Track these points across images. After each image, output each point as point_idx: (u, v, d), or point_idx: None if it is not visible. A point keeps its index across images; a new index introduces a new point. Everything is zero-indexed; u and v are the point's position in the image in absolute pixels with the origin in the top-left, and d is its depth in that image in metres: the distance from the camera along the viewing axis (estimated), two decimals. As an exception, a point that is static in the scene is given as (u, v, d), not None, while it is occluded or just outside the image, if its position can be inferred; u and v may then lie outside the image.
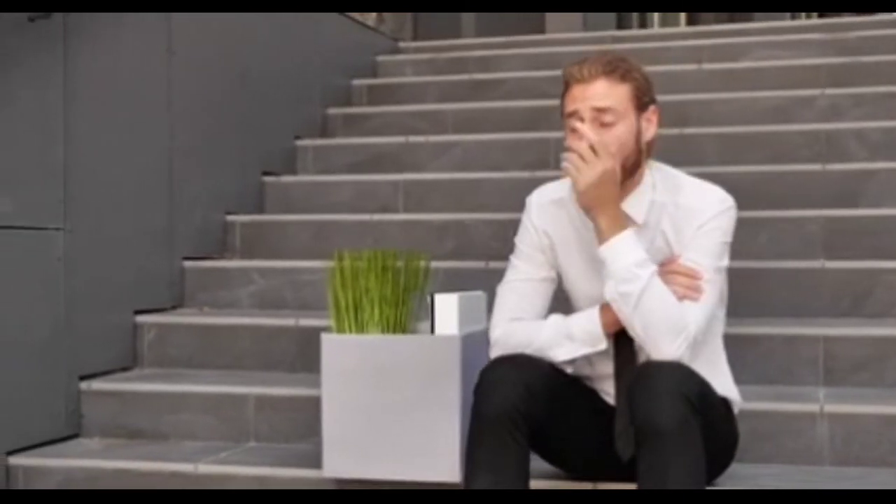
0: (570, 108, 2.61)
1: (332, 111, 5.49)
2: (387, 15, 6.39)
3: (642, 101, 2.63)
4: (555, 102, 5.00)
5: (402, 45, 6.44)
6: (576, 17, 8.73)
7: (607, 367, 2.74)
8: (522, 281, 2.77)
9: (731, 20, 12.04)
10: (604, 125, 2.57)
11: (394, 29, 6.49)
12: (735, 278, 3.75)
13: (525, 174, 4.48)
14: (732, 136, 4.73)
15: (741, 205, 4.18)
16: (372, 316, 2.98)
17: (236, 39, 4.65)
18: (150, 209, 4.03)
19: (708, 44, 5.71)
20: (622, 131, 2.59)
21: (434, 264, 3.97)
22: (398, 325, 2.99)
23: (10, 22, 3.31)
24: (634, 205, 2.66)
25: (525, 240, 2.79)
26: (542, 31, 8.37)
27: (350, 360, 2.98)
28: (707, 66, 5.35)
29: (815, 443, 3.09)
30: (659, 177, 2.70)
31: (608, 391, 2.76)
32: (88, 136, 3.66)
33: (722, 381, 2.78)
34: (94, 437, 3.57)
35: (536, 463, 2.81)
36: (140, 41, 3.98)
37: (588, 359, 2.77)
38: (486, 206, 4.44)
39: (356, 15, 5.97)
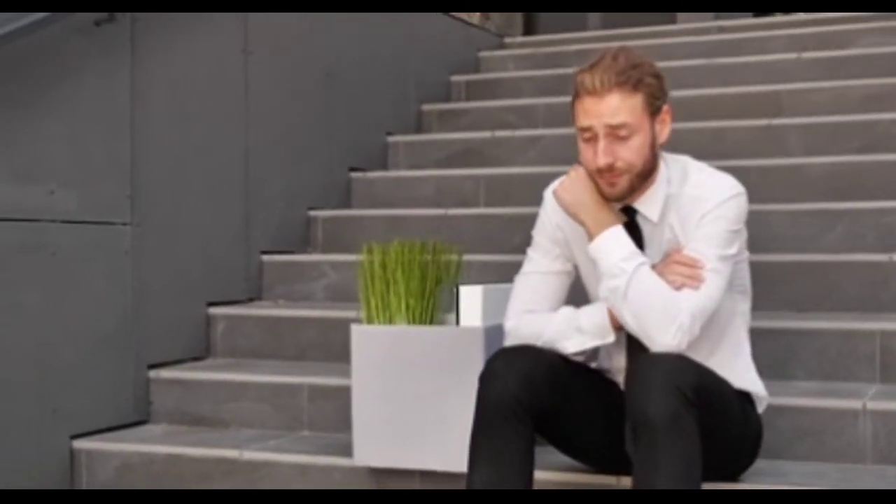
0: (583, 122, 2.57)
1: (427, 107, 5.54)
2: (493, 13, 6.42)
3: (655, 106, 2.58)
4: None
5: (507, 40, 6.45)
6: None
7: (623, 360, 2.72)
8: (537, 273, 2.77)
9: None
10: (619, 139, 2.54)
11: (500, 25, 6.50)
12: (800, 272, 3.70)
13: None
14: (821, 127, 4.58)
15: (819, 196, 4.11)
16: (399, 308, 3.02)
17: (321, 38, 4.75)
18: (225, 205, 4.16)
19: (815, 32, 5.55)
20: (638, 143, 2.56)
21: (499, 258, 4.04)
22: (425, 316, 3.03)
23: (75, 27, 3.47)
24: (649, 203, 2.64)
25: (541, 232, 2.79)
26: (673, 21, 8.20)
27: (378, 350, 3.03)
28: (807, 55, 5.20)
29: (858, 441, 2.99)
30: (673, 170, 2.66)
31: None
32: (158, 134, 3.80)
33: (743, 375, 2.73)
34: (161, 424, 3.72)
35: (554, 455, 2.83)
36: (214, 42, 4.11)
37: (607, 352, 2.76)
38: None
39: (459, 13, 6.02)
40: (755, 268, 3.64)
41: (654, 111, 2.57)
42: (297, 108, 4.59)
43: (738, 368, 2.72)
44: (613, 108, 2.52)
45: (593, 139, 2.55)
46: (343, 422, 3.48)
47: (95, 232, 3.57)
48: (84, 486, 3.43)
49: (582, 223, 2.60)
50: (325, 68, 4.78)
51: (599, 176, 2.56)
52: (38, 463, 3.36)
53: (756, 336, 3.29)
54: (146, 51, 3.75)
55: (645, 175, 2.58)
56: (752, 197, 4.16)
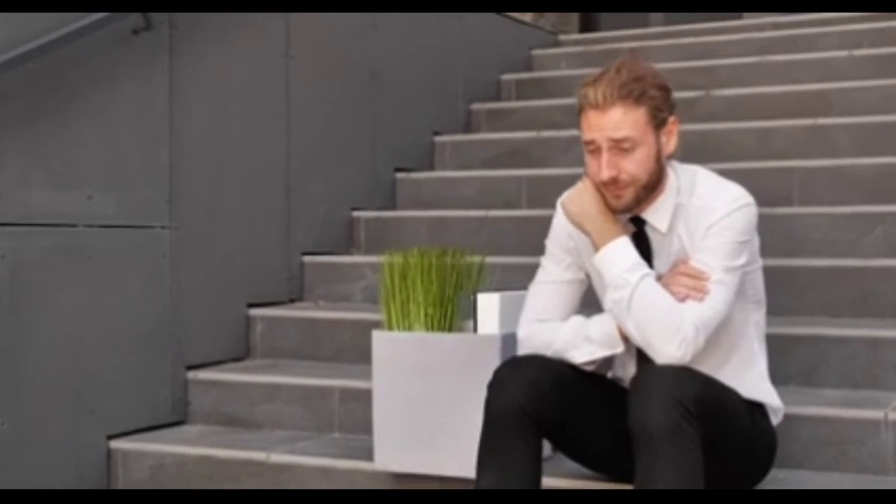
0: (587, 136, 2.58)
1: (476, 106, 5.56)
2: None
3: (660, 118, 2.58)
4: (693, 94, 4.97)
5: (562, 38, 6.44)
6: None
7: (634, 370, 2.72)
8: (549, 282, 2.79)
9: None
10: (623, 151, 2.55)
11: (556, 23, 6.49)
12: (836, 277, 3.66)
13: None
14: (870, 126, 4.51)
15: (865, 198, 4.05)
16: (418, 315, 3.05)
17: (366, 38, 4.79)
18: (266, 207, 4.22)
19: (868, 28, 5.45)
20: (642, 155, 2.56)
21: (538, 260, 4.04)
22: (444, 323, 3.05)
23: (113, 35, 3.56)
24: (657, 213, 2.63)
25: (553, 241, 2.81)
26: (739, 15, 8.09)
27: (398, 356, 3.07)
28: (858, 52, 5.11)
29: (879, 451, 2.96)
30: (682, 180, 2.65)
31: (639, 393, 2.74)
32: (197, 139, 3.88)
33: (756, 386, 2.72)
34: (198, 424, 3.80)
35: (566, 463, 2.85)
36: (254, 48, 4.17)
37: (620, 361, 2.77)
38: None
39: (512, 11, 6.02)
40: (790, 272, 3.64)
41: (658, 123, 2.56)
42: (341, 109, 4.64)
43: (752, 379, 2.70)
44: (616, 121, 2.52)
45: (597, 152, 2.55)
46: (372, 424, 3.54)
47: (133, 236, 3.65)
48: (119, 486, 3.52)
49: (588, 234, 2.61)
50: (371, 68, 4.82)
51: (605, 188, 2.57)
52: (74, 462, 3.45)
53: (787, 342, 3.29)
54: (185, 57, 3.82)
55: (651, 187, 2.58)
56: (794, 199, 4.17)
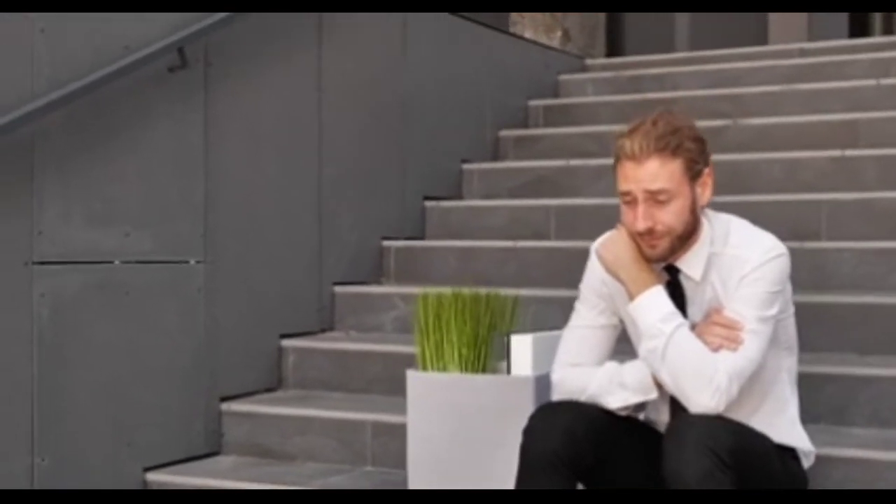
0: (623, 187, 2.62)
1: (504, 133, 5.59)
2: (574, 33, 6.44)
3: (695, 170, 2.62)
4: (721, 123, 4.99)
5: (588, 62, 6.47)
6: (801, 22, 8.40)
7: (667, 415, 2.75)
8: (583, 327, 2.82)
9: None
10: (658, 203, 2.59)
11: (583, 46, 6.52)
12: (865, 314, 3.67)
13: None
14: (897, 159, 4.53)
15: (891, 233, 4.07)
16: (452, 356, 3.10)
17: (395, 70, 4.84)
18: (298, 239, 4.28)
19: (896, 56, 5.47)
20: (678, 207, 2.59)
21: (567, 293, 4.07)
22: (477, 364, 3.10)
23: (150, 74, 3.61)
24: (692, 262, 2.67)
25: (588, 286, 2.85)
26: (764, 40, 8.10)
27: (432, 396, 3.12)
28: (886, 81, 5.12)
29: (909, 494, 2.97)
30: (716, 229, 2.69)
31: (673, 437, 2.77)
32: (231, 174, 3.94)
33: (788, 431, 2.75)
34: (231, 455, 3.85)
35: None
36: (287, 83, 4.22)
37: (654, 405, 2.80)
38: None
39: (538, 36, 6.05)
40: (818, 308, 3.66)
41: (694, 175, 2.60)
42: (372, 138, 4.69)
43: (784, 424, 2.73)
44: (652, 173, 2.56)
45: (633, 203, 2.59)
46: (405, 459, 3.58)
47: (169, 271, 3.71)
48: (155, 518, 3.57)
49: (623, 283, 2.64)
50: (401, 98, 4.87)
51: (640, 238, 2.61)
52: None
53: (817, 381, 3.31)
54: (219, 93, 3.88)
55: (686, 237, 2.62)
56: (822, 232, 4.19)
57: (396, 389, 3.92)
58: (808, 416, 2.92)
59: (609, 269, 2.68)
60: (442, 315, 3.10)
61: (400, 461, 3.56)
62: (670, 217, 2.59)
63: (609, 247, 2.68)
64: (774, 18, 8.08)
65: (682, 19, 7.99)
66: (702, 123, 5.19)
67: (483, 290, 3.17)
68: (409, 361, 3.93)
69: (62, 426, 3.36)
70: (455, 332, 3.08)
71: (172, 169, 3.73)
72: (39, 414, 3.30)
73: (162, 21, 3.65)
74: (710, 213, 2.72)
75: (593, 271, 2.82)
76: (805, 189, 4.46)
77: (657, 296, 2.59)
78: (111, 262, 3.53)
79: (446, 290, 3.16)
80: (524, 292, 3.77)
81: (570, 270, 4.29)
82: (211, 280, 3.84)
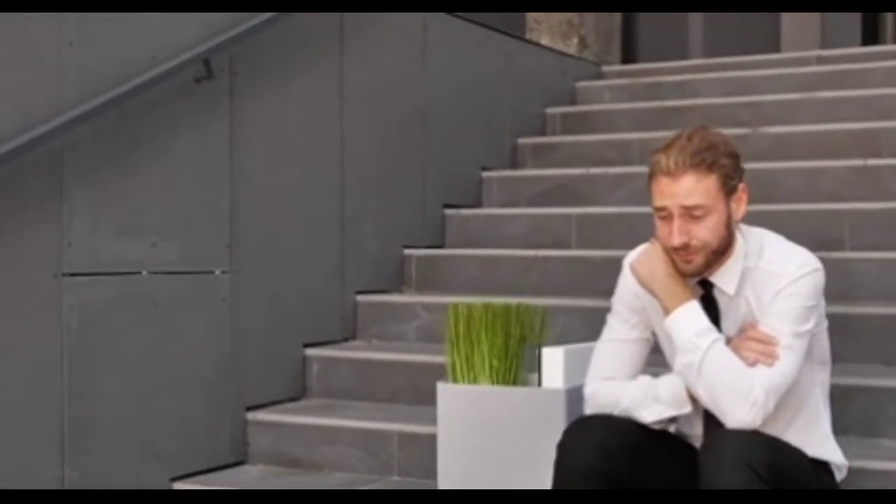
0: (658, 202, 2.63)
1: (523, 141, 5.60)
2: (590, 40, 6.44)
3: (730, 186, 2.62)
4: (740, 132, 4.99)
5: (605, 69, 6.47)
6: (814, 28, 8.39)
7: (701, 428, 2.76)
8: (616, 341, 2.83)
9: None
10: (694, 218, 2.59)
11: (599, 53, 6.52)
12: (890, 325, 3.66)
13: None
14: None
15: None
16: (483, 368, 3.10)
17: (415, 78, 4.84)
18: (321, 248, 4.28)
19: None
20: (713, 223, 2.59)
21: (589, 302, 4.08)
22: (508, 376, 3.10)
23: (176, 85, 3.62)
24: (726, 276, 2.67)
25: (620, 300, 2.85)
26: (777, 48, 8.09)
27: (462, 408, 3.12)
28: (903, 89, 5.12)
29: (941, 507, 2.97)
30: (750, 244, 2.69)
31: (705, 450, 2.78)
32: (256, 184, 3.94)
33: (822, 445, 2.75)
34: (258, 465, 3.85)
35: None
36: (310, 92, 4.23)
37: (687, 418, 2.80)
38: (653, 242, 4.43)
39: (555, 43, 6.05)
40: (843, 320, 3.65)
41: (729, 191, 2.60)
42: (393, 146, 4.70)
43: (817, 438, 2.74)
44: (688, 189, 2.56)
45: (668, 218, 2.59)
46: (433, 468, 3.55)
47: (195, 281, 3.71)
48: (183, 529, 3.58)
49: (657, 297, 2.65)
50: (421, 106, 4.87)
51: (675, 253, 2.61)
52: (139, 505, 3.51)
53: (845, 393, 3.30)
54: (244, 104, 3.89)
55: (720, 252, 2.62)
56: (845, 244, 4.18)
57: (421, 399, 3.95)
58: (838, 429, 2.91)
59: (644, 284, 2.68)
60: (472, 326, 3.10)
61: (426, 471, 3.58)
62: (705, 232, 2.59)
63: (643, 261, 2.69)
64: (787, 25, 8.09)
65: (696, 26, 8.00)
66: (722, 131, 5.24)
67: (514, 301, 3.17)
68: (433, 371, 3.95)
69: (91, 437, 3.37)
70: (486, 343, 3.08)
71: (198, 179, 3.74)
72: (69, 425, 3.30)
73: (188, 32, 3.66)
74: (743, 227, 2.72)
75: (626, 285, 2.82)
76: (826, 199, 4.46)
77: (693, 310, 2.60)
78: (138, 273, 3.53)
79: (477, 301, 3.16)
80: (546, 302, 3.77)
81: (593, 279, 4.35)
82: (236, 290, 3.84)
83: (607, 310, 3.96)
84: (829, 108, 5.19)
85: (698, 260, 2.61)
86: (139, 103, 3.49)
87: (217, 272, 3.79)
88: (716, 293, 2.69)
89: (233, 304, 3.83)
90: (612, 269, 4.29)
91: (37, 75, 3.25)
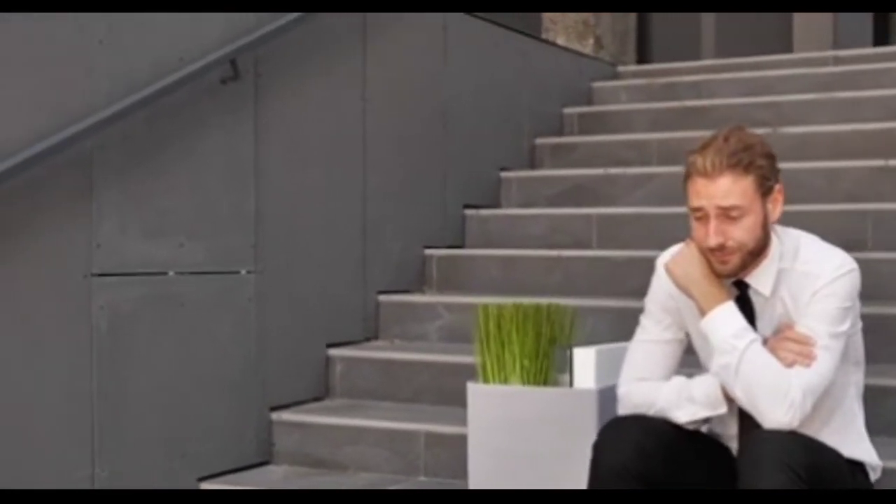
0: (694, 203, 2.62)
1: (541, 141, 5.60)
2: (606, 40, 6.45)
3: (767, 187, 2.62)
4: (765, 132, 4.99)
5: (621, 69, 6.47)
6: (826, 29, 8.40)
7: (735, 428, 2.76)
8: (649, 342, 2.82)
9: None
10: (730, 219, 2.59)
11: (614, 53, 6.52)
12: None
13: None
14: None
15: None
16: (514, 368, 3.11)
17: (435, 79, 4.85)
18: (344, 248, 4.29)
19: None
20: (749, 223, 2.59)
21: (613, 303, 4.09)
22: (539, 377, 3.10)
23: (203, 86, 3.63)
24: (761, 277, 2.67)
25: (653, 301, 2.85)
26: (789, 48, 8.10)
27: (493, 409, 3.12)
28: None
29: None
30: (786, 245, 2.69)
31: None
32: (280, 185, 3.95)
33: (856, 445, 2.75)
34: (283, 465, 3.86)
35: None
36: (332, 93, 4.24)
37: (720, 418, 2.80)
38: (674, 242, 4.41)
39: (570, 43, 6.06)
40: (868, 319, 3.65)
41: (765, 192, 2.60)
42: (413, 147, 4.70)
43: (852, 439, 2.74)
44: (725, 190, 2.56)
45: (705, 219, 2.59)
46: (459, 469, 3.56)
47: (221, 281, 3.72)
48: (210, 529, 3.58)
49: (693, 298, 2.65)
50: (441, 106, 4.88)
51: (711, 254, 2.61)
52: (167, 505, 3.52)
53: (877, 394, 3.30)
54: (268, 104, 3.90)
55: (756, 252, 2.62)
56: (868, 244, 4.19)
57: (445, 399, 3.96)
58: (871, 429, 2.90)
59: (679, 285, 2.68)
60: (503, 326, 3.10)
61: (453, 471, 3.58)
62: (742, 233, 2.59)
63: (679, 262, 2.69)
64: (799, 25, 8.10)
65: (708, 26, 8.00)
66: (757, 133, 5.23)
67: (544, 302, 3.17)
68: (456, 371, 3.96)
69: (120, 437, 3.37)
70: (517, 343, 3.09)
71: (224, 180, 3.75)
72: (99, 425, 3.31)
73: (214, 33, 3.67)
74: (779, 228, 2.72)
75: (660, 286, 2.82)
76: (847, 199, 4.47)
77: (729, 311, 2.60)
78: (165, 274, 3.54)
79: (499, 301, 3.16)
80: (569, 302, 3.77)
81: (614, 280, 4.36)
82: (261, 290, 3.85)
83: (631, 310, 3.97)
84: (848, 109, 5.20)
85: (734, 261, 2.61)
86: (167, 104, 3.49)
87: (243, 272, 3.80)
88: (751, 294, 2.69)
89: (258, 304, 3.84)
90: (634, 270, 4.34)
91: (68, 75, 3.25)
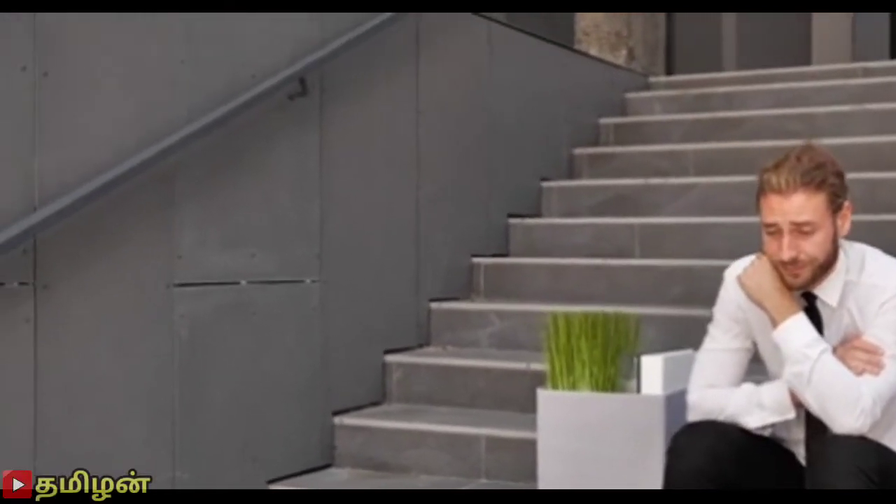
0: (768, 219, 2.75)
1: (579, 151, 5.73)
2: (638, 52, 6.58)
3: (837, 203, 2.76)
4: (798, 144, 5.11)
5: (652, 80, 6.61)
6: (845, 42, 8.51)
7: (801, 433, 2.89)
8: (718, 350, 2.95)
9: None
10: (803, 234, 2.72)
11: (645, 65, 6.65)
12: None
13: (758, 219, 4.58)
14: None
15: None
16: (583, 375, 3.24)
17: (484, 92, 4.99)
18: (399, 257, 4.43)
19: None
20: (820, 238, 2.72)
21: (658, 311, 4.22)
22: (607, 384, 3.24)
23: (273, 102, 3.76)
24: (829, 290, 2.80)
25: (722, 311, 2.97)
26: (808, 60, 8.21)
27: (563, 414, 3.25)
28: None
29: None
30: (852, 258, 2.82)
31: (804, 455, 2.91)
32: (342, 196, 4.09)
33: (916, 448, 2.88)
34: (345, 468, 3.99)
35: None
36: (390, 106, 4.38)
37: (785, 424, 2.93)
38: (715, 251, 4.55)
39: (603, 55, 6.19)
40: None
41: (836, 208, 2.74)
42: (462, 158, 4.84)
43: (913, 442, 2.87)
44: (798, 206, 2.69)
45: (778, 234, 2.73)
46: (520, 472, 3.71)
47: (289, 290, 3.86)
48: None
49: (765, 310, 2.78)
50: (487, 119, 5.02)
51: (783, 267, 2.74)
52: (240, 507, 3.65)
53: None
54: (332, 118, 4.04)
55: (826, 266, 2.76)
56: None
57: (501, 404, 4.09)
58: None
59: (752, 297, 2.81)
60: (572, 334, 3.24)
61: (514, 475, 3.71)
62: (813, 248, 2.72)
63: (752, 275, 2.82)
64: (818, 38, 8.24)
65: (729, 37, 8.13)
66: (776, 143, 5.36)
67: (610, 311, 3.31)
68: (511, 377, 4.10)
69: (198, 441, 3.51)
70: (586, 351, 3.22)
71: (291, 192, 3.88)
72: (180, 430, 3.44)
73: (284, 49, 3.81)
74: (845, 242, 2.85)
75: (729, 296, 2.94)
76: (886, 210, 4.59)
77: (801, 322, 2.73)
78: (237, 283, 3.67)
79: (575, 310, 3.30)
80: (617, 310, 3.90)
81: (660, 288, 4.49)
82: (325, 298, 3.99)
83: (676, 318, 4.15)
84: (880, 120, 5.32)
85: (805, 274, 2.74)
86: (240, 119, 3.63)
87: (308, 281, 3.93)
88: (818, 305, 2.82)
89: (322, 312, 3.97)
90: (677, 278, 4.49)
91: (152, 93, 3.39)
